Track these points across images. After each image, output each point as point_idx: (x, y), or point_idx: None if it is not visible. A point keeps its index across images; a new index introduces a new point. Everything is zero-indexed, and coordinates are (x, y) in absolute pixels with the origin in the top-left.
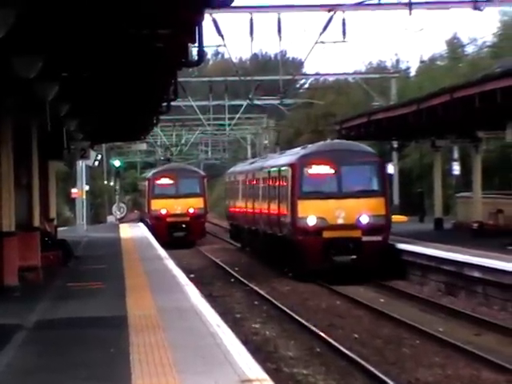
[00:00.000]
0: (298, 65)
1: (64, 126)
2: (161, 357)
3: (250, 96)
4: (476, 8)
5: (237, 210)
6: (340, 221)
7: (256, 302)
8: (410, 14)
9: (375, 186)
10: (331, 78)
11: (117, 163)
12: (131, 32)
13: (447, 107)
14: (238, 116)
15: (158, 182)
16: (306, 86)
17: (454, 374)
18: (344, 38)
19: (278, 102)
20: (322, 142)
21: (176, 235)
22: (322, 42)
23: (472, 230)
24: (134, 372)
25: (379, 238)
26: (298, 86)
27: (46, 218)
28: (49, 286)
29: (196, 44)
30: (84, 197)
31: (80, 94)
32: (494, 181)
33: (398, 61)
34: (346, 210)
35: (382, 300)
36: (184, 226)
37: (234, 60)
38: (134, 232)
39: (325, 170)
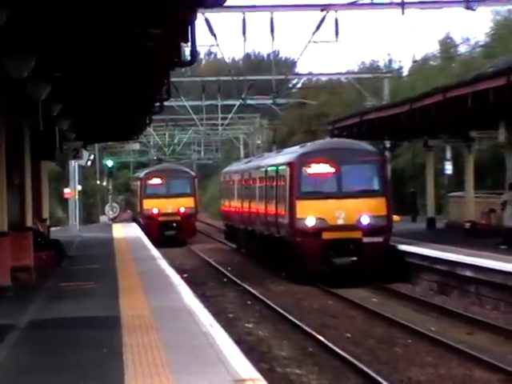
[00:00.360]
0: (290, 64)
1: (56, 125)
2: (154, 357)
3: (243, 96)
4: (468, 8)
5: (232, 210)
6: (340, 221)
7: (249, 302)
8: (403, 13)
9: (376, 186)
10: (324, 78)
11: (109, 163)
12: (124, 32)
13: (440, 107)
14: (230, 116)
15: (150, 181)
16: (299, 85)
17: (446, 374)
18: (337, 37)
19: (270, 101)
20: (321, 141)
21: (167, 234)
22: (315, 42)
23: (464, 230)
24: (127, 372)
25: (380, 240)
26: (290, 85)
27: (38, 218)
28: (42, 286)
29: (189, 44)
30: (77, 197)
31: (72, 93)
32: (487, 180)
33: (390, 61)
34: (346, 211)
35: (374, 300)
36: (175, 225)
37: (227, 60)
38: (126, 232)
39: (324, 169)
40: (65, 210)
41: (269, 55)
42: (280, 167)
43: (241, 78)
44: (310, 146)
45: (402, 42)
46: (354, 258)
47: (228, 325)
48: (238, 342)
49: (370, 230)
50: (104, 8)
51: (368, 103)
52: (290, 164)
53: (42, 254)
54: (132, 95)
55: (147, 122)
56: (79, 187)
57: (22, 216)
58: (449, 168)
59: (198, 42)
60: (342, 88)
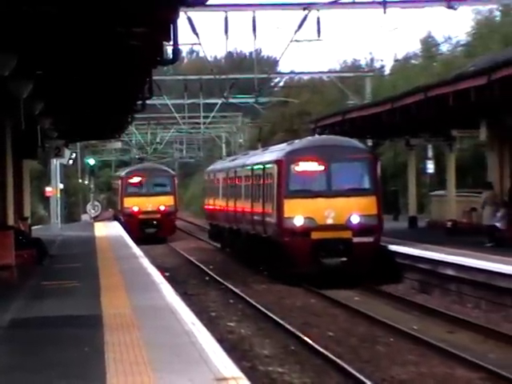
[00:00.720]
0: (272, 63)
1: (38, 124)
2: (136, 355)
3: (225, 94)
4: (450, 7)
5: (217, 209)
6: (329, 221)
7: (231, 301)
8: (385, 12)
9: (367, 184)
10: (306, 77)
11: (91, 162)
12: (106, 30)
13: (421, 106)
14: (212, 114)
15: (131, 180)
16: (281, 84)
17: (427, 372)
18: (319, 36)
19: (253, 100)
20: (310, 137)
21: (147, 231)
22: (297, 41)
23: (446, 229)
24: (108, 371)
25: (371, 240)
26: (272, 84)
27: (20, 216)
28: (23, 285)
29: (171, 42)
30: (58, 195)
31: (54, 92)
32: (468, 179)
33: (372, 59)
34: (336, 210)
35: (356, 298)
36: (155, 222)
37: (209, 58)
38: (108, 231)
39: (313, 166)
40: (46, 209)
41: (251, 54)
42: (267, 165)
43: (223, 76)
44: (298, 143)
45: (384, 41)
46: (344, 259)
47: (210, 323)
48: (220, 341)
49: (361, 230)
50: (87, 6)
51: (350, 102)
52: (277, 162)
53: (24, 252)
54: (114, 93)
55: (129, 120)
56: (61, 186)
57: (4, 214)
58: (430, 167)
59: (180, 41)
60: (324, 87)
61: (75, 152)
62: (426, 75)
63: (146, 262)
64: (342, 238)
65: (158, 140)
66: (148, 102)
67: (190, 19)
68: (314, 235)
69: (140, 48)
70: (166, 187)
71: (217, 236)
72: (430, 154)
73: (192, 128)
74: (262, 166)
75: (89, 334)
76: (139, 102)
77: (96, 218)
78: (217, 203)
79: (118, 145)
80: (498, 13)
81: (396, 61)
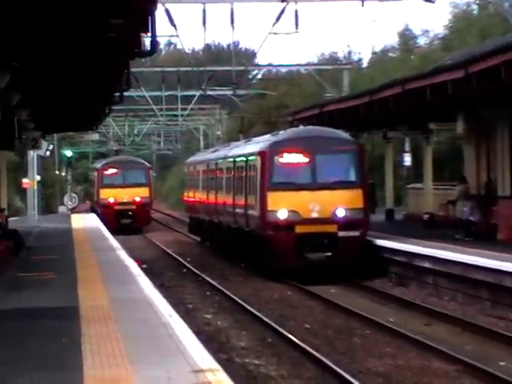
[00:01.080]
0: (250, 56)
1: (15, 115)
2: (113, 348)
3: (203, 86)
4: (427, 0)
5: (197, 201)
6: (314, 214)
7: (208, 293)
8: (363, 5)
9: (353, 177)
10: (284, 70)
11: (68, 153)
12: (84, 21)
13: (399, 99)
14: (190, 107)
15: (107, 172)
16: (259, 77)
17: (404, 364)
18: (297, 29)
19: (230, 92)
20: (294, 128)
21: (123, 222)
22: (275, 33)
23: (423, 221)
24: (85, 363)
25: (357, 234)
26: (250, 76)
27: None
28: (0, 277)
29: (149, 34)
30: (35, 187)
31: (32, 83)
32: (445, 172)
33: (350, 52)
34: (321, 203)
35: (333, 291)
36: (130, 213)
37: (187, 50)
38: (85, 222)
39: (298, 158)
40: (23, 200)
41: (229, 46)
42: (250, 157)
43: (201, 68)
44: (282, 134)
45: (362, 34)
46: (329, 254)
47: (187, 315)
48: (197, 333)
49: (346, 224)
50: None
51: (328, 95)
52: (260, 153)
53: (0, 244)
54: (92, 85)
55: (107, 112)
56: (38, 177)
57: None
58: (407, 160)
59: (158, 33)
60: (302, 79)
61: (52, 143)
62: (403, 68)
63: (123, 254)
64: (327, 232)
65: (135, 132)
66: (126, 93)
67: (167, 11)
68: (299, 229)
69: (118, 39)
70: (141, 179)
71: (197, 229)
72: (408, 147)
73: (170, 120)
74: (244, 158)
75: (66, 326)
76: (117, 94)
77: (73, 210)
78: (197, 196)
79: (96, 136)
80: (475, 6)
81: (374, 54)
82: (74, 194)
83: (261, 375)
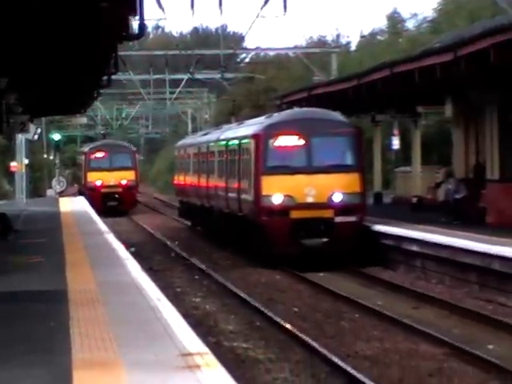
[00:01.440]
0: (238, 39)
1: (3, 99)
2: (101, 331)
3: (191, 70)
4: None
5: (188, 185)
6: (310, 199)
7: (196, 277)
8: None
9: (350, 161)
10: (272, 53)
11: (56, 137)
12: (71, 4)
13: (387, 82)
14: (178, 90)
15: (94, 156)
16: (247, 60)
17: (392, 348)
18: (285, 12)
19: (218, 76)
20: (289, 110)
21: (110, 204)
22: (263, 17)
23: (411, 204)
24: (74, 346)
25: (354, 219)
26: (238, 60)
27: None
28: None
29: (137, 17)
30: (23, 170)
31: (19, 67)
32: (433, 155)
33: (338, 36)
34: (317, 187)
35: (321, 274)
36: (117, 196)
37: (175, 34)
38: (73, 206)
39: (293, 141)
40: (11, 184)
41: (217, 29)
42: (243, 140)
43: (189, 52)
44: (277, 116)
45: (350, 17)
46: (325, 239)
47: (175, 299)
48: (186, 316)
49: (343, 209)
50: None
51: (316, 78)
52: (254, 136)
53: None
54: (80, 69)
55: (95, 95)
56: (26, 161)
57: None
58: (396, 143)
59: (146, 16)
60: (290, 63)
61: (40, 127)
62: (391, 51)
63: (111, 238)
64: (323, 217)
65: (123, 116)
66: (114, 77)
67: None
68: (294, 214)
69: (105, 22)
70: (128, 162)
71: (187, 214)
72: (396, 130)
73: (158, 104)
74: (237, 141)
75: (54, 310)
76: (105, 78)
77: (61, 194)
78: (188, 179)
79: (84, 120)
80: None
81: (362, 37)
82: (62, 178)
83: (249, 358)
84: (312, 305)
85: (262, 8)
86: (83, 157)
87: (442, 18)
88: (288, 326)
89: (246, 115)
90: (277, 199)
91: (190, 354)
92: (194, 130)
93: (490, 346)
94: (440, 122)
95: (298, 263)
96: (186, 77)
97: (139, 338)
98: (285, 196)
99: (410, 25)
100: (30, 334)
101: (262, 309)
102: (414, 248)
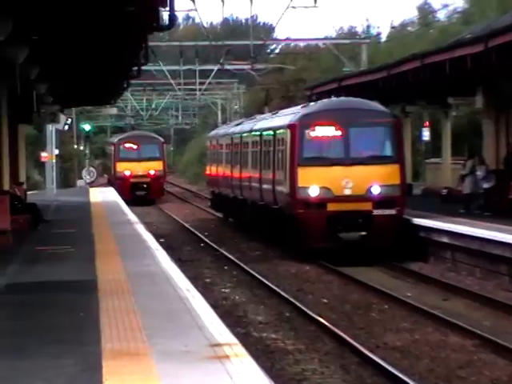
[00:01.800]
0: (268, 30)
1: (34, 89)
2: (130, 321)
3: (221, 61)
4: None
5: (220, 176)
6: (347, 192)
7: (226, 267)
8: None
9: (389, 152)
10: (302, 44)
11: (87, 127)
12: None
13: (417, 73)
14: (208, 81)
15: (123, 146)
16: (277, 51)
17: (421, 339)
18: (315, 3)
19: (248, 67)
20: (326, 100)
21: (138, 194)
22: (294, 7)
23: (441, 196)
24: (103, 336)
25: (393, 212)
26: (268, 51)
27: (15, 181)
28: (18, 250)
29: (167, 8)
30: (54, 161)
31: (50, 57)
32: (463, 147)
33: (368, 26)
34: (355, 179)
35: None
36: (145, 185)
37: (205, 25)
38: (104, 196)
39: (330, 131)
40: (42, 174)
41: (247, 20)
42: (278, 130)
43: (219, 43)
44: (313, 105)
45: (381, 8)
46: (363, 233)
47: (205, 290)
48: (215, 307)
49: (382, 202)
50: None
51: (346, 69)
52: (290, 126)
53: (19, 217)
54: (110, 59)
55: (125, 86)
56: (56, 151)
57: None
58: (426, 134)
59: (176, 7)
60: (320, 54)
61: (71, 117)
62: (422, 42)
63: (140, 228)
64: (361, 210)
65: (153, 106)
66: (144, 68)
67: None
68: (331, 207)
69: (136, 14)
70: (156, 153)
71: (219, 205)
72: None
73: (187, 94)
74: (272, 131)
75: (84, 300)
76: (135, 68)
77: (91, 184)
78: (220, 170)
79: (114, 111)
80: None
81: (392, 28)
82: (92, 169)
83: (278, 349)
84: (341, 296)
85: None
86: (112, 147)
87: (473, 8)
88: (317, 316)
89: (277, 106)
90: (313, 191)
91: (220, 345)
92: (224, 121)
93: None
94: (471, 113)
95: (334, 257)
96: (215, 68)
97: (168, 329)
98: (321, 188)
99: (441, 16)
100: (60, 324)
101: (292, 299)
102: (444, 239)
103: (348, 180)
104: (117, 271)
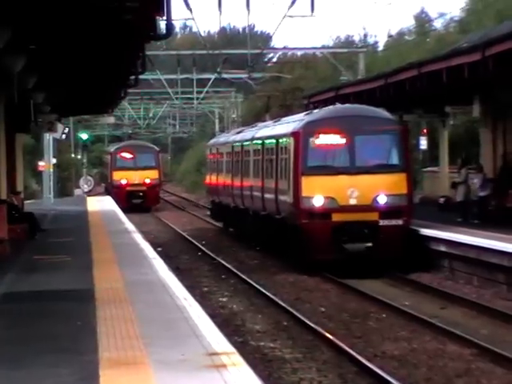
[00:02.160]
0: (266, 39)
1: (31, 98)
2: (128, 330)
3: (218, 70)
4: None
5: (220, 185)
6: (353, 201)
7: (223, 276)
8: None
9: (395, 160)
10: (299, 53)
11: (84, 136)
12: (100, 4)
13: (415, 82)
14: (205, 90)
15: (119, 156)
16: (274, 60)
17: (419, 348)
18: (312, 12)
19: (246, 75)
20: (331, 107)
21: (134, 202)
22: (291, 16)
23: (438, 205)
24: (100, 345)
25: (400, 222)
26: (266, 60)
27: (12, 190)
28: (15, 259)
29: (164, 17)
30: (51, 170)
31: (48, 66)
32: (461, 155)
33: (365, 35)
34: (361, 189)
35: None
36: (141, 194)
37: (202, 33)
38: (101, 205)
39: (335, 139)
40: (39, 183)
41: (244, 29)
42: (281, 138)
43: (216, 51)
44: (317, 112)
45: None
46: (369, 244)
47: (202, 298)
48: (212, 316)
49: (388, 212)
50: None
51: (343, 78)
52: (294, 134)
53: (16, 226)
54: (107, 68)
55: (122, 95)
56: (54, 160)
57: None
58: (423, 143)
59: (173, 16)
60: (317, 62)
61: (68, 126)
62: (419, 51)
63: (138, 237)
64: (367, 220)
65: (150, 115)
66: (141, 76)
67: None
68: (336, 217)
69: (133, 22)
70: (151, 162)
71: (220, 215)
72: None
73: (185, 103)
74: (274, 140)
75: (81, 309)
76: (132, 77)
77: (89, 193)
78: (220, 179)
79: (111, 120)
80: None
81: (389, 37)
82: (89, 177)
83: (276, 358)
84: (339, 304)
85: (289, 8)
86: (109, 156)
87: (470, 17)
88: (315, 325)
89: (276, 114)
90: (317, 201)
91: (217, 354)
92: (222, 130)
93: None
94: (468, 121)
95: (338, 269)
96: (213, 76)
97: (166, 337)
98: (326, 198)
99: (438, 24)
100: (57, 333)
101: (289, 308)
102: (442, 248)
103: (353, 189)
104: (114, 280)
